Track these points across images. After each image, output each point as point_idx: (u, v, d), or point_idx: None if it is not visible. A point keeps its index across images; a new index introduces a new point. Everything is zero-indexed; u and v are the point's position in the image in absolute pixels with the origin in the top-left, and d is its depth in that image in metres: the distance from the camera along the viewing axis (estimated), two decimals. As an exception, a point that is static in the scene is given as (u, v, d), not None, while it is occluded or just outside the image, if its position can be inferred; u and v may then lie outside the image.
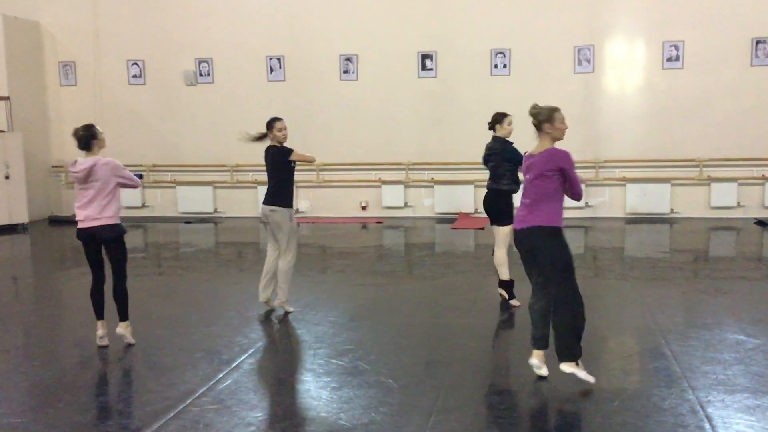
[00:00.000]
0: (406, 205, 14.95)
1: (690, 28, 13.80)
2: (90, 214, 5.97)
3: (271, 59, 15.26)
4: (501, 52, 14.47)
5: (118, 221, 6.11)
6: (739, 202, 13.86)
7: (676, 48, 13.88)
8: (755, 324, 6.59)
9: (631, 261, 10.23)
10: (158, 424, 4.53)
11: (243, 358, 5.87)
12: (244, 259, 11.22)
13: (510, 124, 7.42)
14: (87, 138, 6.13)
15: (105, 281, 6.23)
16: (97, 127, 6.22)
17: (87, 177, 5.98)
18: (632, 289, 8.20)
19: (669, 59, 13.96)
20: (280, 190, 7.24)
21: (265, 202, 7.30)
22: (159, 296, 8.26)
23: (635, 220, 14.00)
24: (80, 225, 6.05)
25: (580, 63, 14.24)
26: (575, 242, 12.34)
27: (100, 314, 6.20)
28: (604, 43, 14.20)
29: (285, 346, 6.37)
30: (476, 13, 14.42)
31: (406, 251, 11.63)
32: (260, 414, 4.74)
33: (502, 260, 7.40)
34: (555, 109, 5.02)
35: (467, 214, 14.60)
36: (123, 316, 6.20)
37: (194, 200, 15.66)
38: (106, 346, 6.13)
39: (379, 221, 14.37)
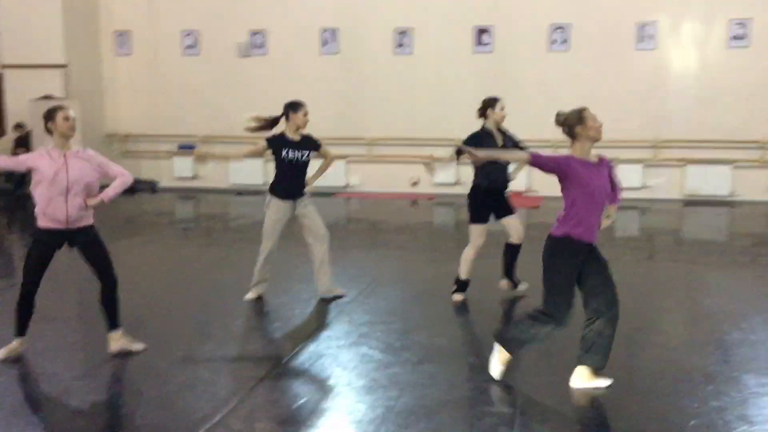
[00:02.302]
0: (457, 182, 14.80)
1: (758, 5, 13.34)
2: (64, 215, 4.93)
3: (324, 32, 15.14)
4: (560, 27, 14.17)
5: (92, 220, 5.15)
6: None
7: (743, 26, 13.45)
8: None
9: (697, 244, 10.02)
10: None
11: (317, 330, 5.85)
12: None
13: (503, 108, 6.72)
14: (44, 120, 5.01)
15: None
16: (65, 111, 4.98)
17: (60, 173, 4.89)
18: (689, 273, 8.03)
19: (735, 37, 13.53)
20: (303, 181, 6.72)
21: (297, 195, 6.64)
22: (224, 267, 8.27)
23: (694, 203, 13.69)
24: (47, 225, 4.97)
25: (642, 40, 13.88)
26: (632, 223, 12.13)
27: (24, 330, 5.10)
28: (668, 19, 13.80)
29: (360, 320, 6.30)
30: (536, -13, 14.13)
31: (463, 229, 11.49)
32: (346, 384, 4.71)
33: None
34: (582, 109, 4.62)
35: (519, 193, 14.40)
36: (116, 322, 5.22)
37: (244, 172, 15.66)
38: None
39: (431, 198, 14.25)
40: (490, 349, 4.99)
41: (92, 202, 5.03)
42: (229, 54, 15.59)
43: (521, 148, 6.79)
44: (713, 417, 4.21)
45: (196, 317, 6.21)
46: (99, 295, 5.19)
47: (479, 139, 6.47)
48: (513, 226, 6.79)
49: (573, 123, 4.58)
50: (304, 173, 6.73)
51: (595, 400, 4.53)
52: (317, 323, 6.12)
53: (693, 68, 13.82)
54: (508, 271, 6.98)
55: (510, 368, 4.74)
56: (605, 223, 4.77)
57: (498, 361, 4.73)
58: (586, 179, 4.50)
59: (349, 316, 6.31)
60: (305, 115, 6.70)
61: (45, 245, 5.03)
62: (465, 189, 14.40)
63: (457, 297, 6.74)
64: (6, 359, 5.08)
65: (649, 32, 13.84)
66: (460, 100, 14.63)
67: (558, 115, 4.67)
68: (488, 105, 6.71)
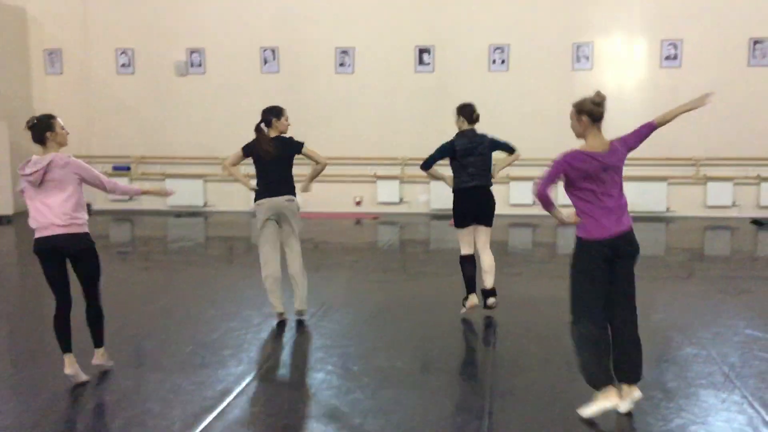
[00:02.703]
0: (401, 200, 14.77)
1: (688, 27, 13.80)
2: (53, 220, 4.88)
3: (265, 51, 14.97)
4: (499, 48, 14.35)
5: (87, 230, 5.08)
6: (734, 202, 13.91)
7: (675, 46, 13.89)
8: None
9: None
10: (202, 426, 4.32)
11: (272, 356, 5.65)
12: (249, 254, 10.92)
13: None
14: (42, 130, 4.98)
15: (72, 305, 5.07)
16: (59, 120, 5.11)
17: (42, 179, 4.90)
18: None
19: (667, 57, 13.96)
20: (291, 180, 6.77)
21: (278, 193, 6.61)
22: (167, 291, 7.96)
23: (632, 219, 13.95)
24: (40, 234, 4.92)
25: (578, 60, 14.18)
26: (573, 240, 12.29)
27: (67, 346, 5.01)
28: (603, 40, 14.15)
29: (314, 345, 6.14)
30: (475, 8, 14.27)
31: (412, 247, 11.47)
32: (306, 413, 4.54)
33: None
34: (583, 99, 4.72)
35: (463, 211, 14.45)
36: (100, 341, 5.21)
37: (183, 193, 15.26)
38: (86, 382, 5.05)
39: (375, 217, 14.16)
40: (450, 372, 4.92)
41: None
42: (166, 72, 15.24)
43: (510, 150, 6.97)
44: (678, 435, 4.21)
45: (143, 345, 5.92)
46: (85, 314, 5.16)
47: (450, 146, 6.71)
48: (479, 235, 6.71)
49: (576, 117, 4.66)
50: (285, 173, 6.67)
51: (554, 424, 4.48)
52: (271, 348, 5.93)
53: (628, 87, 14.17)
54: (471, 285, 6.82)
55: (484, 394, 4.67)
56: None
57: (596, 406, 4.40)
58: (588, 174, 4.40)
59: (304, 341, 6.13)
60: (287, 119, 6.72)
61: (47, 258, 4.96)
62: (409, 208, 14.66)
63: (471, 303, 6.76)
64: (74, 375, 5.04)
65: (584, 53, 14.15)
66: (402, 119, 14.67)
67: (599, 95, 4.72)
68: (474, 111, 6.99)
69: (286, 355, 5.69)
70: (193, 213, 15.03)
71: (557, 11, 14.09)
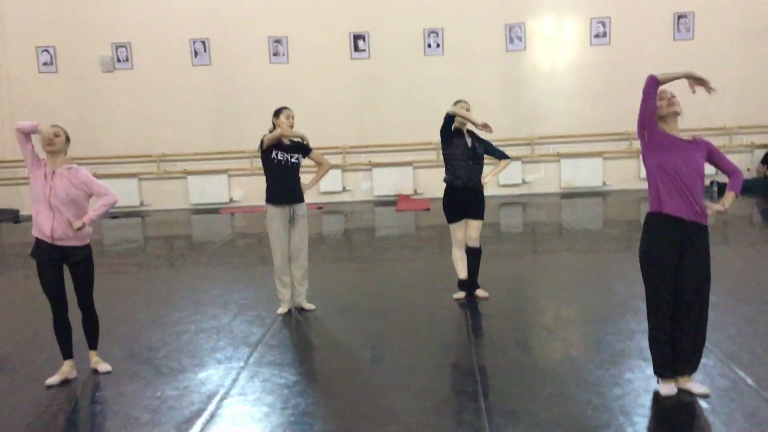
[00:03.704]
0: (344, 189, 14.69)
1: (615, 4, 14.18)
2: (56, 230, 4.92)
3: (195, 42, 14.59)
4: (434, 32, 14.40)
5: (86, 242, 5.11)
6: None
7: (603, 24, 14.24)
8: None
9: (587, 234, 10.43)
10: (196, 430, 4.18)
11: (251, 355, 5.52)
12: (199, 252, 10.65)
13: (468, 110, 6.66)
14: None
15: (67, 309, 5.11)
16: (48, 128, 5.01)
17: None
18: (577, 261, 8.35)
19: (597, 35, 14.30)
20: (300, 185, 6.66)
21: (292, 201, 6.53)
22: (127, 296, 7.68)
23: (570, 195, 14.32)
24: (40, 236, 4.99)
25: (511, 41, 14.37)
26: (516, 218, 12.50)
27: (69, 352, 5.11)
28: (535, 20, 14.38)
29: (291, 340, 6.03)
30: (408, -8, 14.28)
31: (362, 235, 11.41)
32: (295, 412, 4.45)
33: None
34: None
35: (407, 196, 14.51)
36: (95, 343, 5.31)
37: (118, 194, 14.76)
38: (74, 379, 5.10)
39: (320, 207, 14.04)
40: (435, 356, 4.89)
41: (76, 225, 4.90)
42: (91, 69, 14.68)
43: (504, 157, 6.89)
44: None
45: (113, 354, 5.68)
46: (81, 319, 5.23)
47: (451, 132, 6.57)
48: (469, 228, 6.72)
49: None
50: (295, 177, 6.58)
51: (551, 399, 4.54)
52: (247, 347, 5.78)
53: (561, 66, 14.47)
54: (462, 284, 6.87)
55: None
56: (715, 208, 4.29)
57: (663, 392, 4.40)
58: (666, 149, 4.24)
59: (280, 337, 6.01)
60: (288, 117, 6.53)
61: (45, 262, 4.99)
62: (352, 197, 14.59)
63: (458, 295, 6.81)
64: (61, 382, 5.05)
65: (517, 33, 14.35)
66: (340, 106, 14.59)
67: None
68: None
69: (264, 353, 5.56)
70: (129, 213, 14.57)
71: (489, -7, 14.25)
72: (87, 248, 5.12)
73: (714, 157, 4.42)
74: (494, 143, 6.96)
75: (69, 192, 4.91)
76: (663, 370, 4.42)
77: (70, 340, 5.13)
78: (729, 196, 4.37)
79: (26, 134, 4.91)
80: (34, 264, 5.10)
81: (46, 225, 4.92)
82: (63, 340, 5.11)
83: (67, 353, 5.13)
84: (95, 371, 5.22)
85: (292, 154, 6.55)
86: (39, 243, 5.01)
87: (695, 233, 4.31)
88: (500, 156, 6.89)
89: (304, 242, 6.69)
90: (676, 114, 4.36)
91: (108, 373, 5.19)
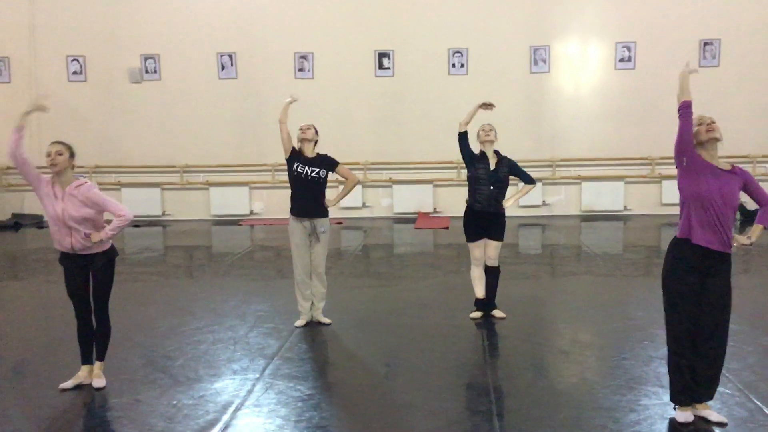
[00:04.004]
0: (364, 205, 14.74)
1: (641, 29, 14.18)
2: (75, 244, 4.96)
3: (222, 56, 14.77)
4: (458, 52, 14.48)
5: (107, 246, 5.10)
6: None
7: (628, 49, 14.24)
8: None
9: (607, 258, 10.38)
10: (209, 441, 4.22)
11: (267, 367, 5.54)
12: (218, 263, 10.72)
13: (486, 132, 6.81)
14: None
15: (92, 313, 5.13)
16: (50, 147, 4.97)
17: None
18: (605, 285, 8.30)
19: (621, 60, 14.30)
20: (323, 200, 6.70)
21: (312, 215, 6.57)
22: (147, 304, 7.75)
23: (590, 218, 14.26)
24: (61, 249, 5.05)
25: (536, 63, 14.40)
26: (535, 239, 12.46)
27: (89, 358, 5.16)
28: (559, 43, 14.41)
29: (308, 353, 6.05)
30: (434, 12, 14.38)
31: (380, 252, 11.44)
32: (310, 424, 4.46)
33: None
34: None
35: (426, 214, 14.53)
36: (103, 355, 5.19)
37: (140, 202, 14.94)
38: (88, 384, 5.11)
39: (339, 222, 14.10)
40: (450, 375, 4.88)
41: (94, 239, 4.94)
42: (120, 80, 14.91)
43: (530, 181, 6.88)
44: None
45: (131, 361, 5.74)
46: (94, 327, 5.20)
47: (474, 156, 6.69)
48: (488, 248, 6.73)
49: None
50: (317, 191, 6.59)
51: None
52: (264, 359, 5.80)
53: (584, 89, 14.47)
54: (479, 302, 6.89)
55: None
56: (741, 241, 4.24)
57: (680, 419, 4.36)
58: (702, 178, 4.17)
59: (296, 350, 6.04)
60: (302, 131, 6.68)
61: (69, 269, 5.05)
62: (372, 213, 14.62)
63: (474, 314, 6.82)
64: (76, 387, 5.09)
65: (542, 56, 14.38)
66: (363, 123, 14.68)
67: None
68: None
69: (280, 366, 5.59)
70: (151, 222, 14.71)
71: (514, 15, 14.31)
72: (111, 251, 5.12)
73: (750, 186, 4.33)
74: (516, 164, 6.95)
75: (81, 212, 4.87)
76: (681, 397, 4.39)
77: (92, 346, 5.18)
78: (756, 229, 4.31)
79: (22, 160, 4.86)
80: (55, 269, 5.18)
81: (65, 241, 4.94)
82: (84, 344, 5.16)
83: (86, 358, 5.17)
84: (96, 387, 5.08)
85: (314, 168, 6.56)
86: (63, 254, 5.05)
87: (719, 261, 4.28)
88: (526, 179, 6.88)
89: (321, 260, 6.66)
90: (716, 140, 4.26)
91: (101, 389, 5.04)
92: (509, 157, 6.84)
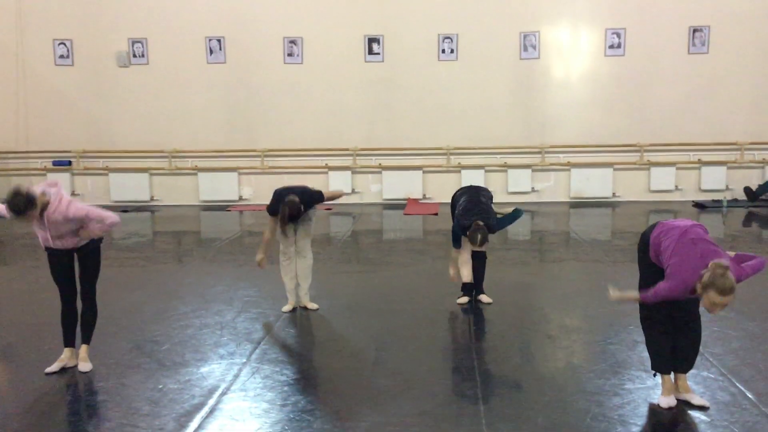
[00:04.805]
0: (353, 191, 14.71)
1: (631, 16, 14.16)
2: (69, 246, 5.03)
3: (210, 40, 14.66)
4: (448, 38, 14.42)
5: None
6: (676, 186, 14.36)
7: (618, 35, 14.22)
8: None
9: (596, 244, 10.42)
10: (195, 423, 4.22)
11: (254, 352, 5.54)
12: (207, 249, 10.68)
13: None
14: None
15: (77, 297, 5.19)
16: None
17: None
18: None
19: (611, 46, 14.28)
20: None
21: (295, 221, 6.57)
22: (134, 289, 7.73)
23: (579, 204, 14.29)
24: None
25: (525, 49, 14.37)
26: (524, 225, 12.48)
27: (71, 340, 5.19)
28: (549, 29, 14.37)
29: (295, 339, 6.06)
30: (423, -3, 14.31)
31: (370, 237, 11.43)
32: (295, 409, 4.47)
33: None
34: (714, 280, 3.87)
35: (416, 200, 14.53)
36: (89, 338, 5.22)
37: (128, 188, 14.89)
38: (73, 366, 5.15)
39: (328, 208, 14.06)
40: (436, 360, 4.88)
41: (85, 236, 4.97)
42: (107, 63, 14.77)
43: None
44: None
45: (117, 345, 5.73)
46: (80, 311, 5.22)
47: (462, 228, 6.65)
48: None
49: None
50: (296, 218, 6.47)
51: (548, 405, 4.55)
52: (250, 344, 5.80)
53: (574, 76, 14.45)
54: (466, 287, 6.90)
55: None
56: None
57: (664, 392, 4.43)
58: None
59: (283, 335, 6.04)
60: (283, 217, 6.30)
61: (54, 255, 5.06)
62: (361, 199, 14.61)
63: (461, 299, 6.83)
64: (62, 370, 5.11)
65: (531, 42, 14.35)
66: (352, 109, 14.62)
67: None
68: None
69: (266, 350, 5.59)
70: (139, 208, 14.64)
71: (504, 1, 14.26)
72: (96, 242, 5.15)
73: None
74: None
75: (68, 227, 4.88)
76: (662, 365, 4.42)
77: (75, 329, 5.20)
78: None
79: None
80: (42, 254, 5.16)
81: (57, 244, 5.00)
82: (67, 328, 5.18)
83: (68, 341, 5.19)
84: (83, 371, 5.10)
85: (297, 226, 6.58)
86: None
87: None
88: (510, 219, 7.22)
89: (306, 241, 6.70)
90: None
91: (87, 372, 5.08)
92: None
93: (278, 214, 6.30)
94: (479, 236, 6.36)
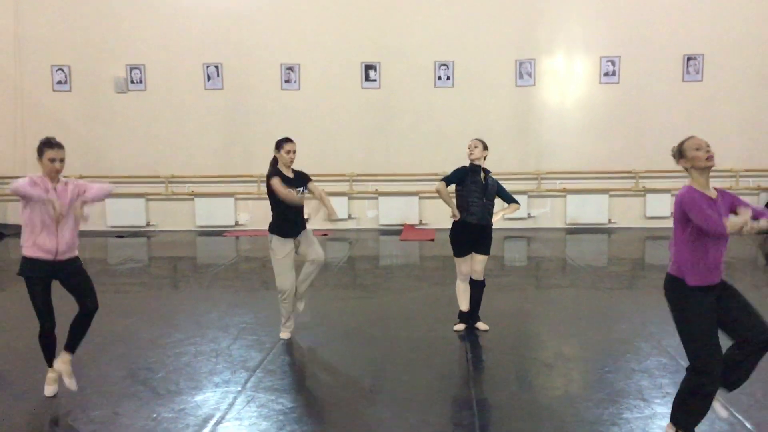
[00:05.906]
0: (350, 216, 14.73)
1: (626, 44, 14.30)
2: (60, 246, 4.97)
3: (208, 67, 14.75)
4: (444, 64, 14.53)
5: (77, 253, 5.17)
6: (672, 212, 14.36)
7: (613, 63, 14.35)
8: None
9: (591, 270, 10.41)
10: (189, 455, 4.17)
11: (249, 379, 5.50)
12: (202, 274, 10.65)
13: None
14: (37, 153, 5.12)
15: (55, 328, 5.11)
16: (51, 152, 5.01)
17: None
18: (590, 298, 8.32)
19: (606, 74, 14.40)
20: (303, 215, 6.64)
21: (297, 233, 6.53)
22: (129, 315, 7.68)
23: (575, 231, 14.31)
24: (39, 255, 4.96)
25: (521, 76, 14.48)
26: (520, 252, 12.48)
27: (52, 360, 5.16)
28: (545, 57, 14.50)
29: (291, 366, 6.02)
30: (420, 25, 14.44)
31: (366, 263, 11.41)
32: (295, 438, 4.43)
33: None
34: (684, 141, 4.17)
35: (412, 226, 14.53)
36: (76, 347, 5.18)
37: (125, 213, 14.88)
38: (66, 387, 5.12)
39: (325, 234, 14.05)
40: (434, 387, 4.85)
41: (78, 208, 4.93)
42: (105, 89, 14.84)
43: (514, 201, 6.90)
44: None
45: (110, 373, 5.68)
46: (74, 318, 5.12)
47: (465, 173, 6.63)
48: (474, 262, 6.75)
49: (676, 158, 4.21)
50: (301, 209, 6.53)
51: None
52: (246, 371, 5.76)
53: (569, 103, 14.56)
54: (462, 315, 6.91)
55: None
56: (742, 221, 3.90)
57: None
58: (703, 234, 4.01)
59: (279, 362, 6.00)
60: (288, 152, 6.46)
61: (37, 281, 4.98)
62: (357, 224, 14.61)
63: (458, 326, 6.84)
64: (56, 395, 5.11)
65: (527, 69, 14.46)
66: (349, 135, 14.68)
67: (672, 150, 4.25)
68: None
69: (262, 378, 5.55)
70: (135, 233, 14.62)
71: (500, 29, 14.39)
72: (78, 258, 5.16)
73: (737, 204, 4.20)
74: (501, 176, 6.98)
75: (72, 205, 4.94)
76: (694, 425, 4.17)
77: (55, 351, 5.15)
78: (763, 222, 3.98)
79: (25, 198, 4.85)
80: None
81: (50, 243, 4.92)
82: (49, 352, 5.13)
83: (50, 361, 5.15)
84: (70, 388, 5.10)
85: (297, 189, 6.47)
86: (34, 262, 4.95)
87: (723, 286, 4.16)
88: (509, 200, 6.92)
89: (318, 252, 6.56)
90: (712, 167, 4.14)
91: (74, 391, 5.07)
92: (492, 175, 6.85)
93: (278, 174, 6.34)
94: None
